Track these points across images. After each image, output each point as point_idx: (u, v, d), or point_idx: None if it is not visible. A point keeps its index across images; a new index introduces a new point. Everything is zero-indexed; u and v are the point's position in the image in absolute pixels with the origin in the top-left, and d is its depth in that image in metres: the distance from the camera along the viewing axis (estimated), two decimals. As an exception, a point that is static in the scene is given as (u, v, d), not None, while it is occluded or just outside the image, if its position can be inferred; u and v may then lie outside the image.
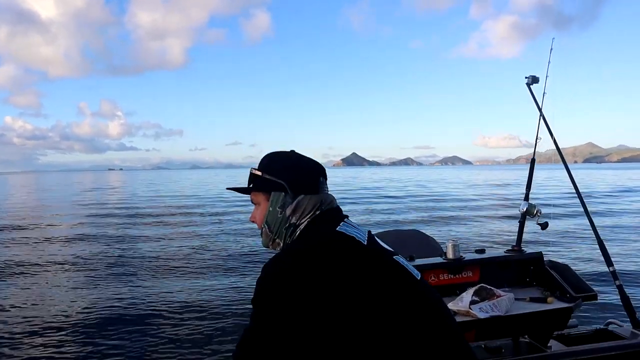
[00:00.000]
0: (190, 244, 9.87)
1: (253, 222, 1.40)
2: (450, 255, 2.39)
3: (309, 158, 1.38)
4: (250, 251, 8.89)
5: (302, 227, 1.29)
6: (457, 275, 2.39)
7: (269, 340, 1.10)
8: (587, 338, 2.48)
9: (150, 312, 5.30)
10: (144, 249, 9.33)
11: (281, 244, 1.33)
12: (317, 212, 1.30)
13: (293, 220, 1.29)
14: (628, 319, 2.50)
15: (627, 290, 2.60)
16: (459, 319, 2.08)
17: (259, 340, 1.11)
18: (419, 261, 2.36)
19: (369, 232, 1.30)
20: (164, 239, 10.78)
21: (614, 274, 2.59)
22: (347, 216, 1.33)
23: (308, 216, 1.30)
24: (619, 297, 2.57)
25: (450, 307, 2.13)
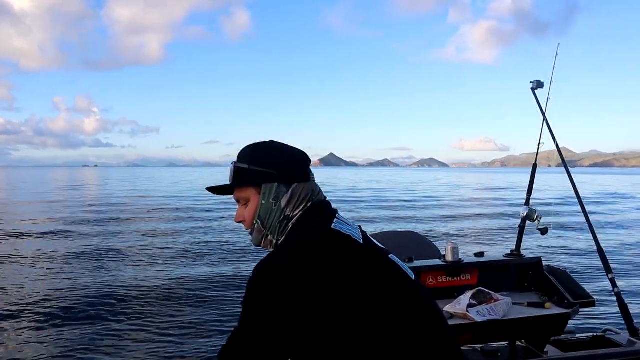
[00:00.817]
0: (167, 239, 9.84)
1: (240, 222, 1.29)
2: (449, 257, 2.39)
3: (292, 146, 1.30)
4: (227, 244, 8.94)
5: (294, 220, 1.24)
6: (455, 278, 2.39)
7: (258, 342, 1.06)
8: (584, 344, 2.48)
9: (120, 299, 5.40)
10: (117, 244, 9.26)
11: (273, 241, 1.26)
12: (309, 203, 1.25)
13: (287, 211, 1.23)
14: (625, 327, 2.50)
15: (625, 298, 2.59)
16: (456, 321, 2.08)
17: (247, 343, 1.07)
18: (417, 263, 2.36)
19: (360, 227, 1.27)
20: (138, 232, 10.70)
21: (613, 282, 2.59)
22: (337, 211, 1.28)
23: (301, 207, 1.24)
24: (617, 305, 2.56)
25: (447, 310, 2.13)
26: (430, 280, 2.35)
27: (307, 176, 1.28)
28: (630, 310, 2.53)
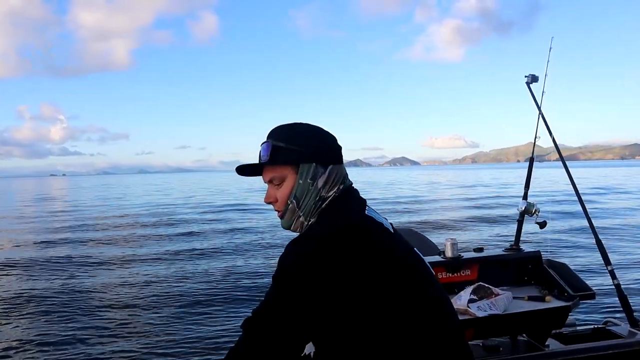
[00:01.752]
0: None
1: (270, 202, 1.27)
2: (448, 253, 2.40)
3: (324, 128, 1.29)
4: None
5: (328, 201, 1.22)
6: (455, 274, 2.39)
7: (283, 318, 1.06)
8: (585, 337, 2.49)
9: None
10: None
11: (305, 223, 1.23)
12: (342, 186, 1.24)
13: (323, 192, 1.22)
14: (626, 318, 2.51)
15: (625, 290, 2.60)
16: (457, 317, 2.08)
17: (273, 317, 1.07)
18: (417, 259, 2.36)
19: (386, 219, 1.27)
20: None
21: (612, 273, 2.60)
22: (365, 199, 1.27)
23: (335, 189, 1.23)
24: (617, 296, 2.57)
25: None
26: (431, 276, 2.35)
27: (341, 158, 1.28)
28: (630, 302, 2.54)
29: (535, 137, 2.97)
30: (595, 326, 2.59)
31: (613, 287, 2.59)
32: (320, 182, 1.21)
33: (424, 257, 1.24)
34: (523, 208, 2.77)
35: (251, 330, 1.09)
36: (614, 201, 17.07)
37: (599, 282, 5.20)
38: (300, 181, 1.21)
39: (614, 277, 2.59)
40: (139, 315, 5.18)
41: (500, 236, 9.96)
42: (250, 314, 1.12)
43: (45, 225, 14.89)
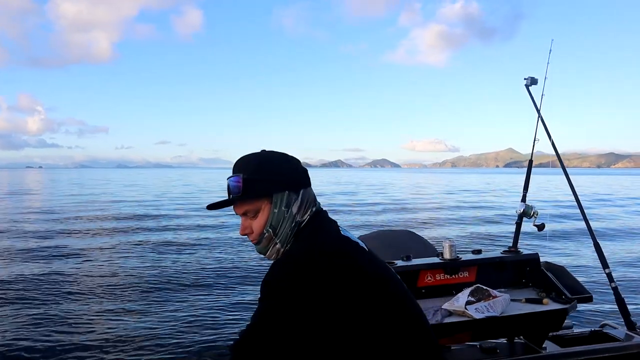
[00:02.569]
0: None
1: (246, 234, 1.28)
2: (447, 255, 2.40)
3: (286, 153, 1.31)
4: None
5: (303, 224, 1.24)
6: (453, 276, 2.39)
7: (272, 339, 1.07)
8: (582, 339, 2.49)
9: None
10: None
11: (281, 250, 1.25)
12: (314, 208, 1.28)
13: (298, 217, 1.24)
14: (623, 321, 2.51)
15: (622, 293, 2.61)
16: (454, 318, 2.08)
17: (262, 338, 1.07)
18: (415, 261, 2.37)
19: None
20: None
21: (610, 276, 2.60)
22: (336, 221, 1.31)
23: (309, 212, 1.26)
24: (614, 299, 2.58)
25: (446, 307, 2.14)
26: (429, 278, 2.36)
27: (309, 181, 1.31)
28: (627, 305, 2.55)
29: (535, 140, 2.97)
30: (593, 329, 2.59)
31: (610, 290, 2.60)
32: (294, 209, 1.24)
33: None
34: (522, 210, 2.78)
35: (240, 353, 1.08)
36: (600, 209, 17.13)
37: (596, 285, 5.22)
38: (275, 210, 1.22)
39: (611, 280, 2.59)
40: (100, 304, 5.31)
41: (500, 236, 9.97)
42: (237, 337, 1.11)
43: (14, 217, 14.90)
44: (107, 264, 7.59)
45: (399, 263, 2.32)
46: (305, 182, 1.28)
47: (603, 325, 2.60)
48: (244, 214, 1.26)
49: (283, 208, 1.23)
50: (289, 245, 1.24)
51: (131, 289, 6.04)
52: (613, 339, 2.42)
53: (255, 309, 1.12)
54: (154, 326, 4.60)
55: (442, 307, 2.15)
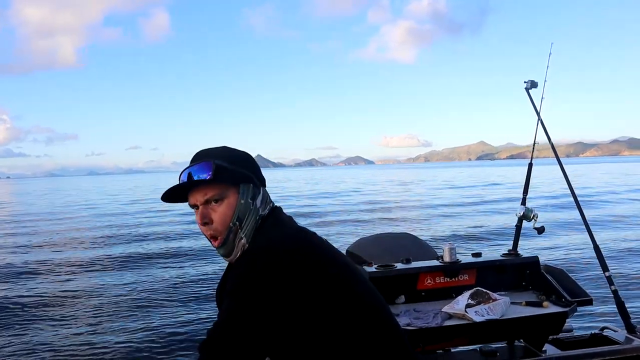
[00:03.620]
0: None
1: (207, 223, 1.21)
2: (446, 258, 2.40)
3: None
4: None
5: (261, 219, 1.25)
6: (453, 279, 2.39)
7: (243, 334, 1.04)
8: (582, 343, 2.49)
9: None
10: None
11: (246, 245, 1.21)
12: (271, 204, 1.30)
13: (261, 211, 1.25)
14: (623, 324, 2.51)
15: (623, 296, 2.61)
16: (454, 321, 2.08)
17: (232, 334, 1.04)
18: (415, 264, 2.37)
19: None
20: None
21: (610, 279, 2.60)
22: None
23: (268, 207, 1.28)
24: (614, 302, 2.57)
25: (446, 310, 2.14)
26: (429, 280, 2.36)
27: (264, 180, 1.33)
28: (628, 308, 2.55)
29: (534, 143, 2.97)
30: (593, 332, 2.59)
31: (611, 293, 2.60)
32: (258, 202, 1.24)
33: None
34: (521, 213, 2.78)
35: (209, 352, 1.06)
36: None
37: (596, 287, 5.21)
38: (242, 201, 1.21)
39: (611, 283, 2.59)
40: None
41: (499, 238, 9.96)
42: (204, 337, 1.09)
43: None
44: (80, 280, 7.34)
45: (399, 266, 2.32)
46: (264, 182, 1.32)
47: (603, 329, 2.59)
48: (206, 202, 1.20)
49: (249, 200, 1.22)
50: (250, 241, 1.22)
51: (107, 305, 5.83)
52: (613, 342, 2.42)
53: (222, 307, 1.10)
54: (135, 343, 4.48)
55: (442, 310, 2.15)
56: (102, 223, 15.78)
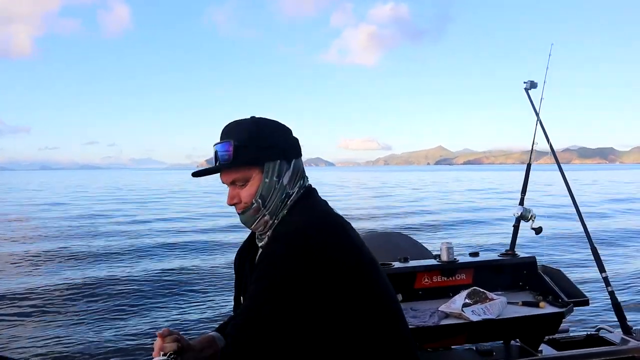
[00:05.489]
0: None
1: (234, 204, 1.20)
2: (444, 257, 2.40)
3: (278, 121, 1.25)
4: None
5: (293, 197, 1.19)
6: (450, 278, 2.40)
7: (278, 317, 1.02)
8: (578, 343, 2.50)
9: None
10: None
11: (269, 222, 1.18)
12: (303, 181, 1.23)
13: (289, 189, 1.19)
14: (619, 325, 2.52)
15: (619, 297, 2.61)
16: (451, 321, 2.09)
17: (268, 316, 1.02)
18: (412, 263, 2.37)
19: None
20: None
21: (606, 280, 2.60)
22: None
23: (300, 183, 1.21)
24: (610, 303, 2.58)
25: (442, 310, 2.14)
26: (426, 280, 2.36)
27: (301, 151, 1.25)
28: (624, 309, 2.55)
29: (533, 143, 2.97)
30: (589, 332, 2.60)
31: (607, 293, 2.61)
32: (285, 179, 1.19)
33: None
34: (519, 213, 2.78)
35: (239, 339, 1.03)
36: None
37: (593, 288, 5.22)
38: (267, 180, 1.16)
39: (607, 284, 2.60)
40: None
41: (497, 237, 9.99)
42: (237, 318, 1.07)
43: None
44: (43, 276, 7.01)
45: (396, 265, 2.33)
46: (297, 151, 1.23)
47: (599, 329, 2.60)
48: (232, 183, 1.19)
49: (274, 178, 1.17)
50: (278, 219, 1.19)
51: (80, 299, 5.61)
52: (609, 342, 2.43)
53: (252, 289, 1.06)
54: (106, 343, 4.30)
55: (439, 309, 2.15)
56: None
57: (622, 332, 2.47)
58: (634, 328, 2.49)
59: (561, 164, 2.94)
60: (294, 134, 1.26)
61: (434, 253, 2.58)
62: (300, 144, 1.26)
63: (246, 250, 1.29)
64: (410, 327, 1.99)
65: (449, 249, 2.41)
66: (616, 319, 2.53)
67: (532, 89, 2.92)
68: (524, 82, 2.92)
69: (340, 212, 1.20)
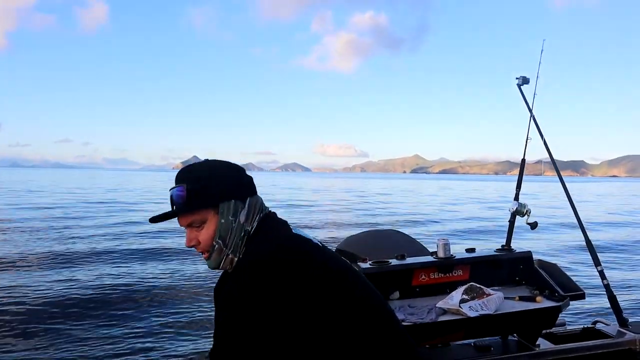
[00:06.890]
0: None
1: (193, 246, 1.24)
2: (440, 254, 2.41)
3: (229, 162, 1.29)
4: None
5: (252, 231, 1.23)
6: (447, 274, 2.40)
7: (240, 346, 1.06)
8: (575, 336, 2.51)
9: None
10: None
11: (235, 259, 1.22)
12: (261, 214, 1.26)
13: (247, 226, 1.22)
14: (615, 318, 2.54)
15: (614, 290, 2.63)
16: (448, 317, 2.09)
17: (233, 349, 1.06)
18: (409, 260, 2.37)
19: None
20: None
21: (602, 274, 2.62)
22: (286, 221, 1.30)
23: (257, 218, 1.24)
24: (606, 296, 2.60)
25: (440, 306, 2.15)
26: (423, 276, 2.36)
27: (255, 189, 1.30)
28: (619, 302, 2.57)
29: (527, 139, 2.98)
30: (585, 326, 2.62)
31: (603, 287, 2.62)
32: (242, 217, 1.22)
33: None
34: (514, 209, 2.79)
35: None
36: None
37: (588, 282, 5.25)
38: (223, 220, 1.20)
39: (603, 277, 2.61)
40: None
41: (493, 234, 10.02)
42: (211, 350, 1.10)
43: None
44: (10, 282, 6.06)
45: (393, 262, 2.33)
46: (251, 190, 1.27)
47: (595, 322, 2.62)
48: (189, 225, 1.23)
49: (230, 217, 1.20)
50: (241, 254, 1.22)
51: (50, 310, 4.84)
52: (605, 335, 2.44)
53: (217, 321, 1.11)
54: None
55: (437, 305, 2.16)
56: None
57: (618, 325, 2.48)
58: (630, 320, 2.50)
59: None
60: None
61: (431, 250, 2.58)
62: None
63: (221, 286, 1.33)
64: (408, 324, 2.01)
65: (446, 245, 2.41)
66: (612, 312, 2.55)
67: (524, 85, 2.93)
68: (516, 78, 2.93)
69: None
